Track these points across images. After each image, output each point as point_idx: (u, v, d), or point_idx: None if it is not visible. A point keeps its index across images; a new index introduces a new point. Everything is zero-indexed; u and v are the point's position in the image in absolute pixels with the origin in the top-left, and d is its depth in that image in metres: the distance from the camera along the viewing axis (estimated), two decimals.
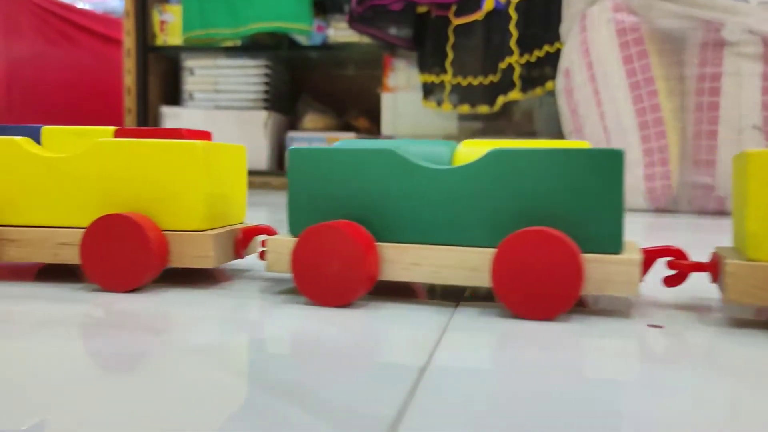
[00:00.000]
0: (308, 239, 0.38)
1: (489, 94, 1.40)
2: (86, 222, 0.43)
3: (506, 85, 1.37)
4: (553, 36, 1.32)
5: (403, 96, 1.60)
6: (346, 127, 1.73)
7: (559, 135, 1.38)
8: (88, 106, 1.96)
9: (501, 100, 1.39)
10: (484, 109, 1.42)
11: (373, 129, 1.70)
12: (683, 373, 0.28)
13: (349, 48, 1.64)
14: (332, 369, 0.28)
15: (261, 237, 0.47)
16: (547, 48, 1.35)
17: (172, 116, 1.66)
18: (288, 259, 0.40)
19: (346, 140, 0.43)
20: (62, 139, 0.45)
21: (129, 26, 1.68)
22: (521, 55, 1.36)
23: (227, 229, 0.45)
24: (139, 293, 0.41)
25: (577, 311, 0.39)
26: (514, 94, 1.37)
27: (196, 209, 0.42)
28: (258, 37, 1.62)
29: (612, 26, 1.12)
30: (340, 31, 1.62)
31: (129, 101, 1.68)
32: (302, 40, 1.65)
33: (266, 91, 1.66)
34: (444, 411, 0.24)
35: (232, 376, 0.27)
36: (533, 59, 1.36)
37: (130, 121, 1.68)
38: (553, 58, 1.32)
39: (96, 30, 2.01)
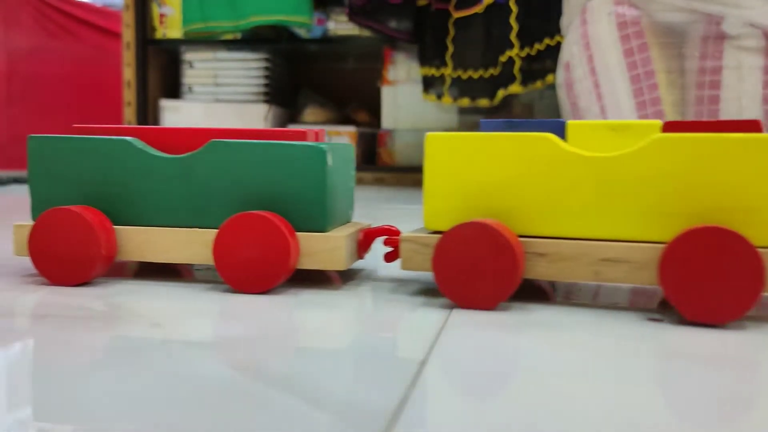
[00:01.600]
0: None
1: (489, 87, 1.40)
2: (639, 234, 0.36)
3: (506, 78, 1.37)
4: (554, 29, 1.31)
5: (403, 89, 1.60)
6: (346, 120, 1.73)
7: None
8: (87, 99, 1.96)
9: (501, 93, 1.38)
10: (484, 102, 1.42)
11: (374, 122, 1.70)
12: (681, 366, 0.28)
13: (349, 41, 1.63)
14: (332, 362, 0.28)
15: None
16: (547, 41, 1.35)
17: (171, 109, 1.66)
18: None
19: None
20: (592, 135, 0.38)
21: (128, 19, 1.68)
22: (521, 48, 1.35)
23: None
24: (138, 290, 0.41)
25: (577, 304, 0.39)
26: (515, 88, 1.36)
27: None
28: (258, 29, 1.61)
29: (612, 19, 1.11)
30: (341, 24, 1.62)
31: (128, 94, 1.68)
32: (302, 33, 1.64)
33: (266, 84, 1.66)
34: (443, 404, 0.24)
35: (231, 369, 0.27)
36: (533, 52, 1.35)
37: (129, 114, 1.68)
38: (554, 51, 1.31)
39: (95, 23, 2.00)
